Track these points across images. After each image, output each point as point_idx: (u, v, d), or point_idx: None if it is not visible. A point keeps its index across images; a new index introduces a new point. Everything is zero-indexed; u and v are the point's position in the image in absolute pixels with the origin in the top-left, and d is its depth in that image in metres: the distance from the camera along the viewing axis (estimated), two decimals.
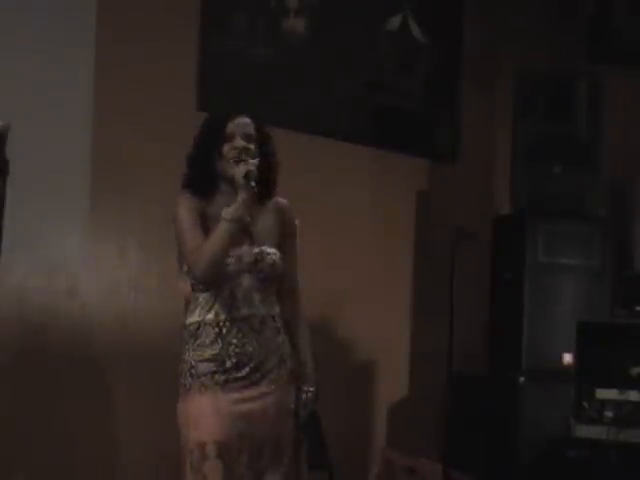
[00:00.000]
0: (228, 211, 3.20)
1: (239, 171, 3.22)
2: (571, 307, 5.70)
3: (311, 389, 3.45)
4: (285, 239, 3.41)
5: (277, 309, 3.37)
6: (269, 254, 3.32)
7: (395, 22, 6.16)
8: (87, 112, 4.82)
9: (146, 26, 5.05)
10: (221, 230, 3.19)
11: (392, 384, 6.08)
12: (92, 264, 4.89)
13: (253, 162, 3.25)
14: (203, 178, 3.33)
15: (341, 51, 5.86)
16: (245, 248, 3.29)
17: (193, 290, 3.32)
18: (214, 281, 3.26)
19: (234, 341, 3.26)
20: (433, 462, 5.47)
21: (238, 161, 3.26)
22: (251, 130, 3.34)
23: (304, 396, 3.42)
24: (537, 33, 6.62)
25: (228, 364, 3.25)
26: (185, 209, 3.27)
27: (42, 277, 4.69)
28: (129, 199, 4.95)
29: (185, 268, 3.32)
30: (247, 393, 3.27)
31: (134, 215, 4.97)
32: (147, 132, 4.99)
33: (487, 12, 6.61)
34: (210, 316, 3.28)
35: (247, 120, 3.34)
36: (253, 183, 3.20)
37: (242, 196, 3.20)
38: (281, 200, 3.46)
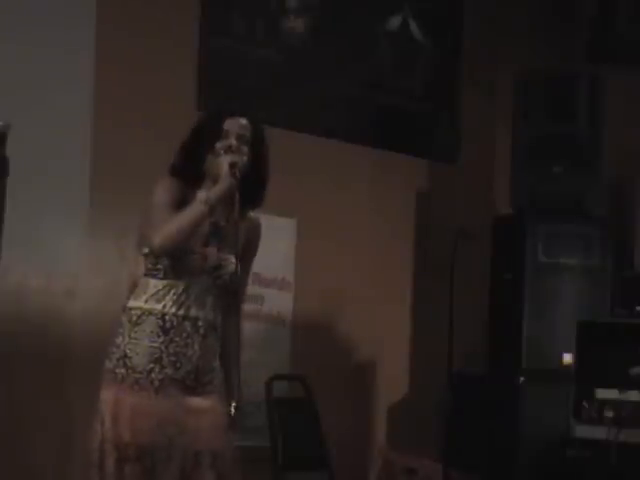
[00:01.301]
0: (204, 194, 3.15)
1: (225, 159, 3.17)
2: (571, 307, 5.69)
3: (235, 405, 3.26)
4: (245, 254, 3.31)
5: (221, 320, 3.27)
6: (232, 264, 3.21)
7: (395, 22, 6.16)
8: (87, 112, 4.82)
9: (146, 26, 5.05)
10: (192, 209, 3.13)
11: (392, 384, 6.08)
12: (92, 264, 4.89)
13: (242, 155, 3.19)
14: (189, 168, 3.25)
15: (341, 51, 5.86)
16: (212, 250, 3.22)
17: (145, 274, 3.21)
18: (165, 252, 3.14)
19: (177, 339, 3.16)
20: (433, 462, 5.47)
21: (226, 152, 3.21)
22: (247, 133, 3.26)
23: (232, 411, 3.23)
24: (537, 33, 6.63)
25: (166, 361, 3.14)
26: (163, 191, 3.19)
27: (41, 277, 4.69)
28: (129, 199, 4.94)
29: (145, 250, 3.21)
30: (182, 399, 3.16)
31: (134, 215, 4.95)
32: (147, 132, 4.99)
33: (487, 12, 6.61)
34: (158, 307, 3.16)
35: (246, 123, 3.27)
36: (237, 173, 3.14)
37: (223, 183, 3.15)
38: (255, 218, 3.38)
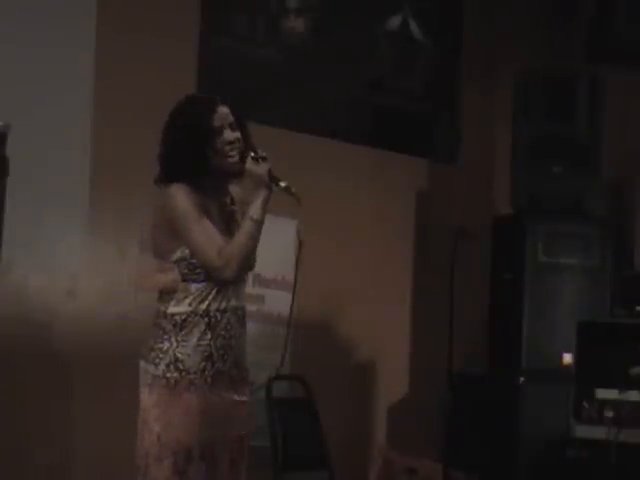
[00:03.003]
0: (255, 210, 3.16)
1: (260, 169, 3.17)
2: (571, 307, 5.69)
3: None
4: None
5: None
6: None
7: (395, 22, 6.17)
8: (87, 112, 4.82)
9: (146, 26, 5.05)
10: (249, 231, 3.15)
11: (392, 384, 6.08)
12: (92, 264, 4.89)
13: (265, 157, 3.20)
14: (197, 172, 3.22)
15: (341, 51, 5.86)
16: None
17: (184, 280, 3.22)
18: (237, 280, 3.22)
19: (222, 333, 3.20)
20: (433, 462, 5.47)
21: (241, 155, 3.21)
22: (232, 118, 3.27)
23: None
24: (537, 33, 6.63)
25: (216, 357, 3.18)
26: (188, 201, 3.17)
27: (42, 277, 4.69)
28: (129, 199, 4.95)
29: (175, 257, 3.20)
30: (230, 391, 3.23)
31: (134, 215, 4.96)
32: (147, 132, 4.96)
33: (487, 12, 6.61)
34: (203, 306, 3.19)
35: (226, 109, 3.27)
36: (283, 183, 3.18)
37: (264, 194, 3.17)
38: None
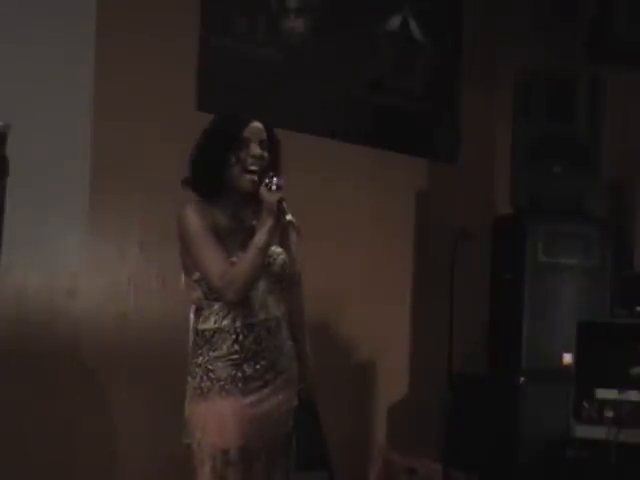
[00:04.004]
0: (260, 238, 3.20)
1: (271, 197, 3.20)
2: (571, 307, 5.69)
3: (309, 386, 3.52)
4: (283, 238, 3.40)
5: (284, 308, 3.39)
6: (279, 255, 3.34)
7: (395, 22, 6.17)
8: (87, 112, 4.82)
9: (146, 26, 5.05)
10: (252, 258, 3.21)
11: (392, 384, 6.08)
12: (92, 264, 4.88)
13: (281, 184, 3.22)
14: (215, 185, 3.30)
15: (341, 51, 5.86)
16: None
17: (206, 298, 3.32)
18: (240, 303, 3.28)
19: (252, 346, 3.28)
20: (433, 462, 5.48)
21: (260, 177, 3.24)
22: (264, 136, 3.33)
23: (301, 393, 3.46)
24: (537, 33, 6.63)
25: (245, 366, 3.27)
26: (198, 221, 3.25)
27: (42, 277, 4.69)
28: (129, 199, 4.95)
29: (196, 276, 3.30)
30: (264, 393, 3.30)
31: (134, 215, 4.97)
32: (147, 132, 4.99)
33: (487, 12, 6.61)
34: (226, 322, 3.28)
35: (261, 126, 3.33)
36: (289, 216, 3.20)
37: (270, 222, 3.21)
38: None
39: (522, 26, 6.64)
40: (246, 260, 3.22)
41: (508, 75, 6.24)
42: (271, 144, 3.35)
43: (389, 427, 6.06)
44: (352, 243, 5.89)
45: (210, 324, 3.30)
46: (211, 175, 3.29)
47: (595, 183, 5.91)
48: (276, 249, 3.33)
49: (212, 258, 3.23)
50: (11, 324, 4.56)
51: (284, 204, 3.21)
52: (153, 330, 4.94)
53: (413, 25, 6.24)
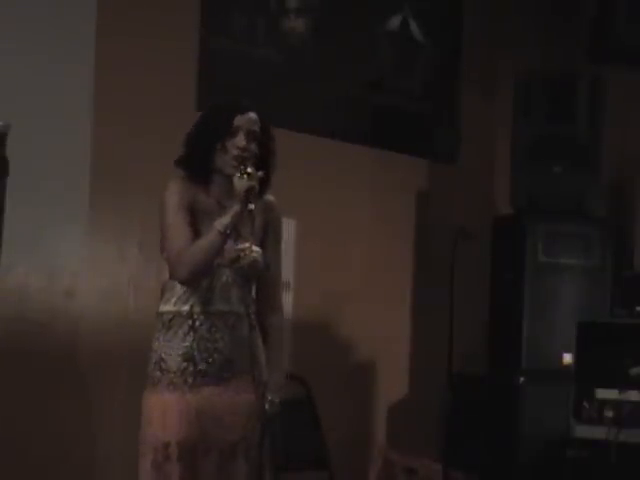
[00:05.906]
0: (222, 222, 3.16)
1: (241, 184, 3.17)
2: (571, 307, 5.70)
3: (275, 399, 3.33)
4: (267, 236, 3.37)
5: (253, 307, 3.32)
6: (252, 251, 3.23)
7: (395, 22, 6.17)
8: (87, 112, 4.82)
9: (146, 26, 5.05)
10: (210, 240, 3.17)
11: (392, 384, 6.08)
12: (92, 264, 4.89)
13: (256, 175, 3.19)
14: (200, 167, 3.28)
15: (341, 51, 5.86)
16: (229, 243, 3.23)
17: (170, 278, 3.27)
18: (193, 284, 3.23)
19: (207, 335, 3.22)
20: (433, 462, 5.47)
21: (239, 165, 3.21)
22: (256, 128, 3.29)
23: (267, 405, 3.29)
24: (537, 33, 6.63)
25: (198, 358, 3.21)
26: (175, 197, 3.24)
27: (42, 277, 4.69)
28: (129, 199, 4.95)
29: (165, 255, 3.26)
30: (217, 392, 3.23)
31: (134, 215, 4.97)
32: (147, 132, 4.99)
33: (487, 12, 6.61)
34: (185, 308, 3.24)
35: (255, 117, 3.30)
36: (252, 206, 3.16)
37: (236, 209, 3.17)
38: (269, 198, 3.41)
39: (522, 26, 6.64)
40: (202, 241, 3.18)
41: (508, 75, 6.24)
42: (265, 139, 3.32)
43: (389, 427, 6.06)
44: (352, 243, 5.89)
45: (170, 306, 3.26)
46: (196, 157, 3.29)
47: (595, 183, 5.91)
48: (251, 246, 3.23)
49: (176, 235, 3.20)
50: (11, 323, 4.56)
51: (252, 194, 3.16)
52: (153, 330, 4.93)
53: (413, 25, 6.24)
